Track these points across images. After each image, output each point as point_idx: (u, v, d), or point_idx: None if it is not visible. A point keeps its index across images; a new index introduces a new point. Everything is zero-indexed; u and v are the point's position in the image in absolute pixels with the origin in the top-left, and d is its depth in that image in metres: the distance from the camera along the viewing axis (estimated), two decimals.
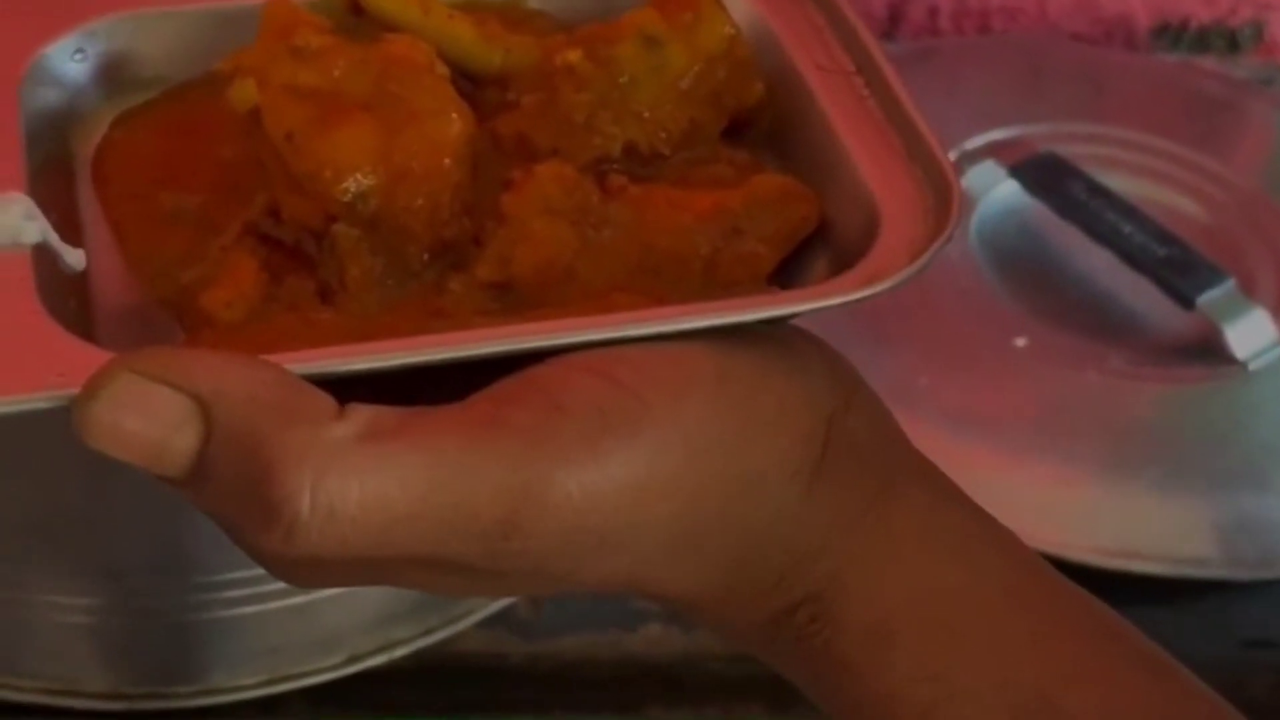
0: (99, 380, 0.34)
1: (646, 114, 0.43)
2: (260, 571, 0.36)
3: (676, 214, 0.41)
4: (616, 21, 0.44)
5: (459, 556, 0.36)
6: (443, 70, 0.41)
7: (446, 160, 0.40)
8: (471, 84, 0.44)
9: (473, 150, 0.41)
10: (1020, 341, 0.84)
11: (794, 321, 0.41)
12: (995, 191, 0.91)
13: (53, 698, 0.68)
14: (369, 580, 0.38)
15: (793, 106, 0.45)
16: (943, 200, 0.41)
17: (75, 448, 0.34)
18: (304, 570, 0.37)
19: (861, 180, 0.42)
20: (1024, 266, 0.89)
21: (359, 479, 0.34)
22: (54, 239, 0.39)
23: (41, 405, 0.34)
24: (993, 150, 0.93)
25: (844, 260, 0.41)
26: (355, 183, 0.39)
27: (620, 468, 0.37)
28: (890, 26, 1.10)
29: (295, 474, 0.34)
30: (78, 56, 0.44)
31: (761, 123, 0.45)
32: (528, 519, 0.36)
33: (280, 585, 0.53)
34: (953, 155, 0.93)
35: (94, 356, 0.36)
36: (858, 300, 0.39)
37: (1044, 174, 0.90)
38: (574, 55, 0.42)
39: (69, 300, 0.39)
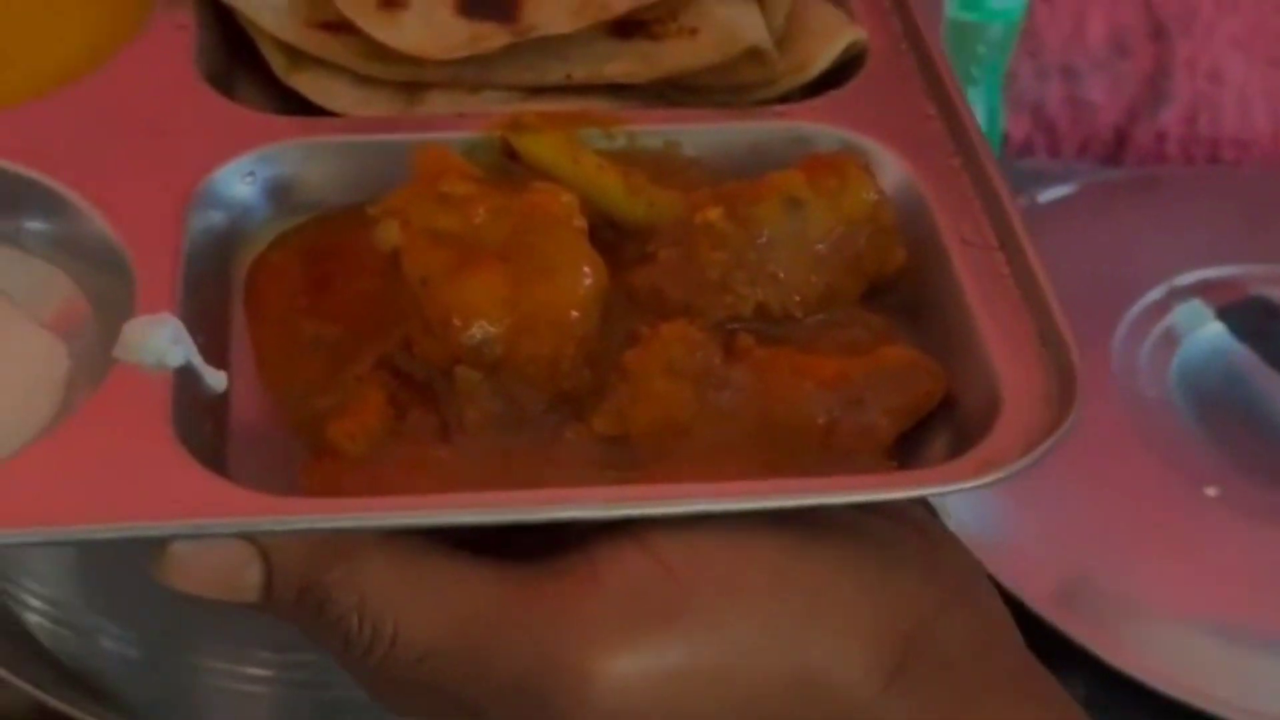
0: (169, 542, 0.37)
1: (782, 275, 0.43)
2: None
3: (798, 380, 0.41)
4: (761, 180, 0.44)
5: (486, 709, 0.37)
6: (580, 223, 0.42)
7: (574, 313, 0.41)
8: (615, 233, 0.45)
9: (603, 303, 0.41)
10: (1212, 491, 0.82)
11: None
12: (1200, 332, 0.89)
13: None
14: (439, 713, 0.39)
15: (933, 277, 0.45)
16: (1066, 389, 0.40)
17: None
18: (379, 689, 0.39)
19: (989, 360, 0.42)
20: (1224, 412, 0.86)
21: (393, 609, 0.37)
22: (198, 361, 0.40)
23: (148, 533, 0.36)
24: (1203, 289, 0.91)
25: (964, 437, 0.41)
26: (481, 330, 0.40)
27: (652, 656, 0.36)
28: (1116, 149, 1.09)
29: (344, 598, 0.37)
30: (248, 179, 0.46)
31: (902, 289, 0.45)
32: (545, 688, 0.36)
33: None
34: (1160, 291, 0.91)
35: (214, 487, 0.37)
36: (957, 491, 0.38)
37: (1253, 319, 0.88)
38: (714, 213, 0.43)
39: (205, 422, 0.40)
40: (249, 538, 0.37)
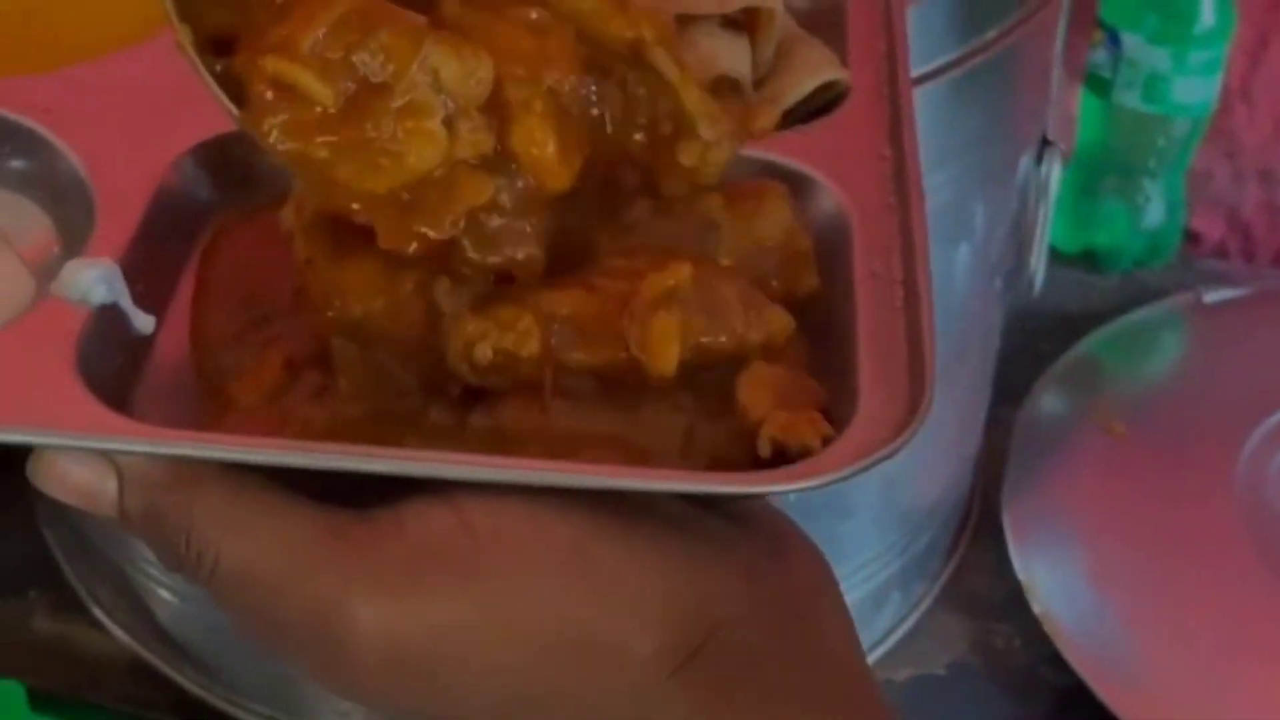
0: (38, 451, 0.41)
1: None
2: None
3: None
4: (691, 204, 0.46)
5: (294, 649, 0.39)
6: None
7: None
8: None
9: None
10: None
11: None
12: None
13: None
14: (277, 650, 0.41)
15: (836, 303, 0.46)
16: (908, 417, 0.41)
17: None
18: (231, 619, 0.41)
19: (855, 381, 0.42)
20: None
21: (217, 536, 0.40)
22: (126, 303, 0.44)
23: (15, 438, 0.40)
24: None
25: None
26: (356, 309, 0.43)
27: (440, 606, 0.38)
28: None
29: (177, 521, 0.40)
30: (235, 152, 0.50)
31: (813, 312, 0.46)
32: (329, 624, 0.38)
33: None
34: None
35: (85, 407, 0.41)
36: (748, 494, 0.40)
37: None
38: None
39: (116, 359, 0.44)
40: (109, 458, 0.41)
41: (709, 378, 0.43)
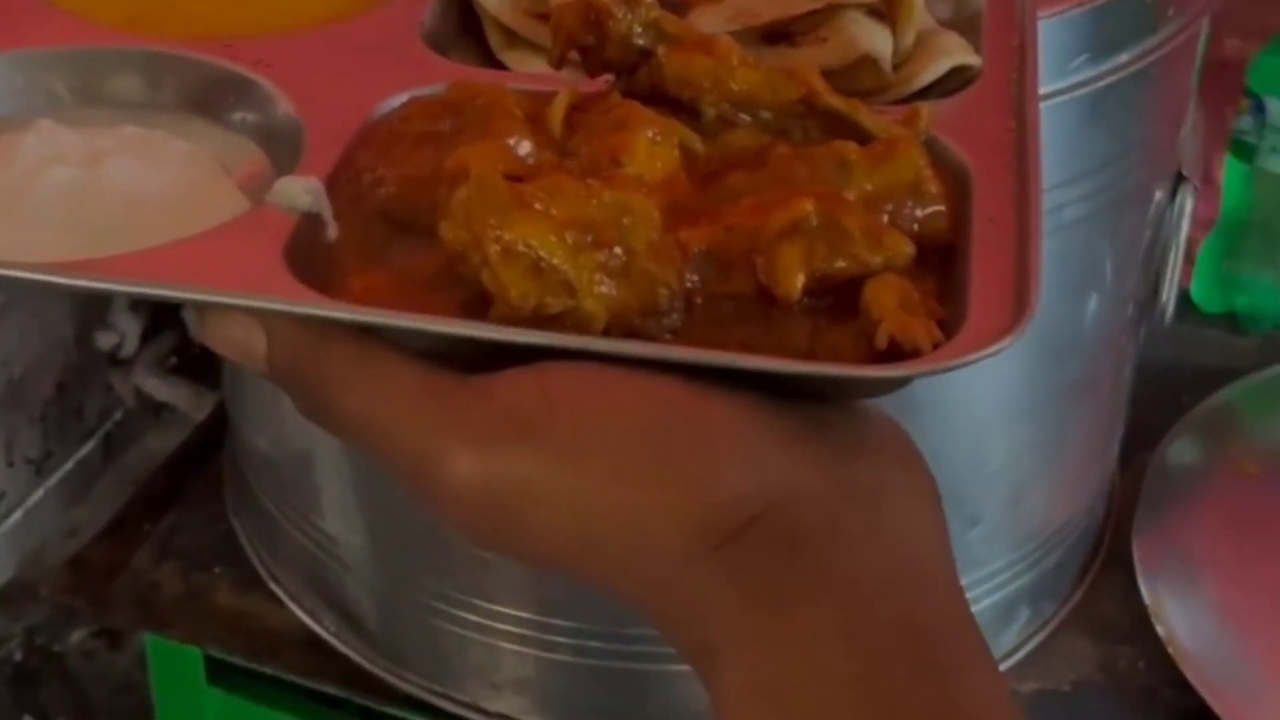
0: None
1: None
2: None
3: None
4: (829, 145, 0.52)
5: (402, 481, 0.45)
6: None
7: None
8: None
9: None
10: None
11: None
12: None
13: None
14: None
15: (957, 244, 0.51)
16: (1008, 330, 0.46)
17: None
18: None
19: (967, 302, 0.47)
20: None
21: (342, 385, 0.46)
22: (326, 213, 0.51)
23: (227, 302, 0.47)
24: None
25: None
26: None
27: (512, 462, 0.43)
28: None
29: (311, 372, 0.47)
30: None
31: (940, 251, 0.51)
32: (424, 469, 0.44)
33: None
34: None
35: (281, 280, 0.47)
36: (856, 378, 0.45)
37: None
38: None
39: (316, 257, 0.51)
40: (260, 322, 0.47)
41: (837, 293, 0.49)
